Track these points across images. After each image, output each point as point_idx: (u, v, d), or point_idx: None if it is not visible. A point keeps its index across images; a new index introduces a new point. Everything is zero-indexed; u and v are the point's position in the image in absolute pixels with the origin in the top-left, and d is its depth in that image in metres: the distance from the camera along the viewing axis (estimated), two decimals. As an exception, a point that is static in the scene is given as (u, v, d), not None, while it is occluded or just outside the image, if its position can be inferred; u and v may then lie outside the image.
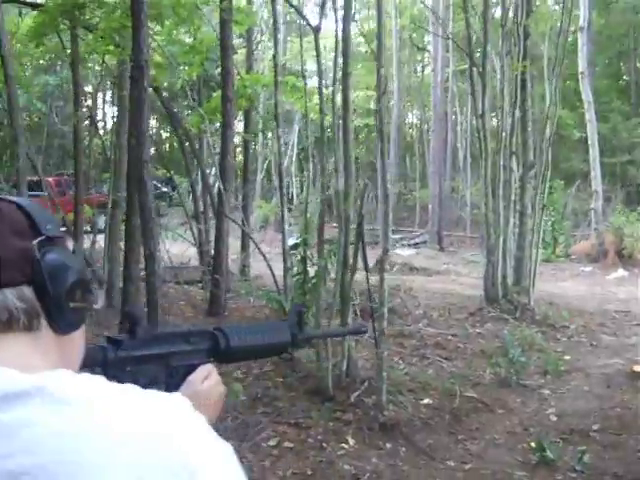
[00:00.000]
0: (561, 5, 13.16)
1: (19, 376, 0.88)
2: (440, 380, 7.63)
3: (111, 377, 1.28)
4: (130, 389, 0.97)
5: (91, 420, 0.86)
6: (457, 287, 15.33)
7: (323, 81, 7.34)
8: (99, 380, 0.96)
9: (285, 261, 9.53)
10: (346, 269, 7.05)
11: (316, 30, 6.37)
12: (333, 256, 8.05)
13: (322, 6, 6.78)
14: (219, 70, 13.48)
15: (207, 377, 1.43)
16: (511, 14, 11.64)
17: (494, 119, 12.57)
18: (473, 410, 6.86)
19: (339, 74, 6.90)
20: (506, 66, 11.78)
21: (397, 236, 27.05)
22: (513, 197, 12.31)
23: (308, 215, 9.96)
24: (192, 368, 1.43)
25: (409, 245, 26.37)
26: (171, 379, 1.40)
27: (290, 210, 14.13)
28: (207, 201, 13.25)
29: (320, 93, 7.11)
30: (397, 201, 31.19)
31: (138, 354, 1.35)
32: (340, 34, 6.01)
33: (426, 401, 6.96)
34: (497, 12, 13.78)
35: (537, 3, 12.50)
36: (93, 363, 1.26)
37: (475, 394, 7.28)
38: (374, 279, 7.28)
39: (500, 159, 11.75)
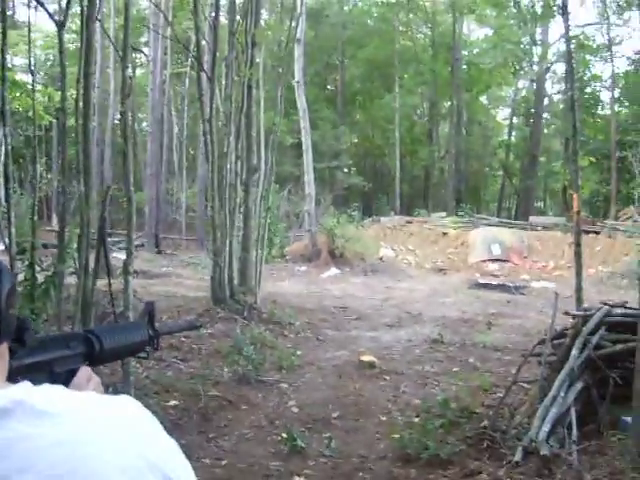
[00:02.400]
0: (274, 16, 13.67)
1: None
2: (181, 381, 7.68)
3: None
4: (91, 395, 0.98)
5: (79, 428, 0.85)
6: (181, 289, 15.40)
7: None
8: (62, 389, 0.95)
9: (12, 267, 9.04)
10: (87, 274, 6.88)
11: (60, 26, 6.14)
12: (67, 261, 7.81)
13: (68, 3, 6.56)
14: None
15: (89, 378, 1.43)
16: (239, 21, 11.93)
17: (220, 123, 12.77)
18: (219, 408, 7.00)
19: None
20: (233, 72, 12.05)
21: (114, 239, 26.52)
22: (238, 200, 12.61)
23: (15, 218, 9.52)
24: (71, 373, 1.41)
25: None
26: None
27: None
28: None
29: (63, 91, 6.85)
30: (110, 204, 30.52)
31: (28, 362, 1.32)
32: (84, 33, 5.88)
33: (172, 403, 6.99)
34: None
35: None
36: None
37: (218, 392, 7.42)
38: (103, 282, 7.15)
39: (227, 163, 12.01)
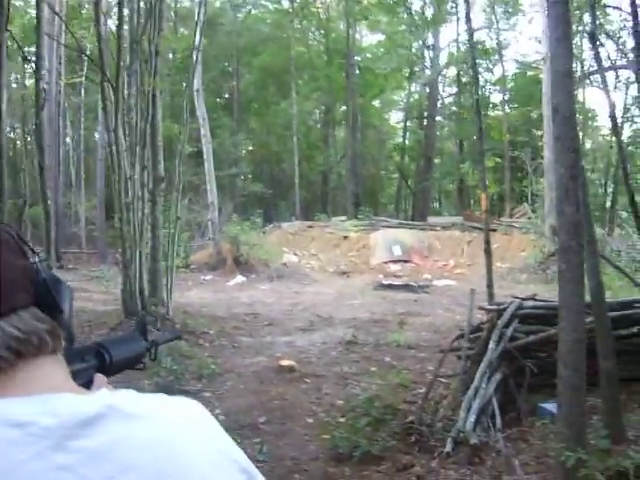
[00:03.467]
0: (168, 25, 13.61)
1: (84, 399, 0.89)
2: (101, 396, 7.57)
3: None
4: (161, 397, 1.02)
5: (164, 428, 0.89)
6: (89, 304, 15.08)
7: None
8: (135, 393, 1.00)
9: None
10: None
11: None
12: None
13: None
14: None
15: (105, 386, 1.47)
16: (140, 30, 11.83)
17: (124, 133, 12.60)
18: (144, 420, 6.93)
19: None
20: (136, 82, 11.94)
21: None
22: (146, 210, 12.49)
23: None
24: (86, 386, 1.46)
25: (26, 264, 25.26)
26: None
27: None
28: None
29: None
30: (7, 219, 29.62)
31: None
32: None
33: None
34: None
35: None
36: None
37: (140, 405, 7.35)
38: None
39: (133, 173, 11.88)
